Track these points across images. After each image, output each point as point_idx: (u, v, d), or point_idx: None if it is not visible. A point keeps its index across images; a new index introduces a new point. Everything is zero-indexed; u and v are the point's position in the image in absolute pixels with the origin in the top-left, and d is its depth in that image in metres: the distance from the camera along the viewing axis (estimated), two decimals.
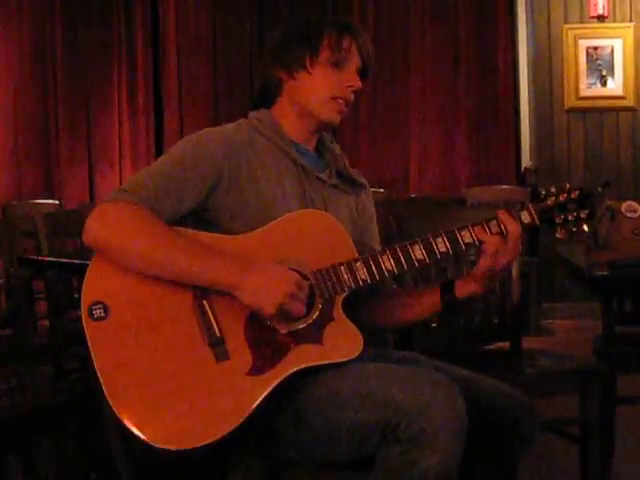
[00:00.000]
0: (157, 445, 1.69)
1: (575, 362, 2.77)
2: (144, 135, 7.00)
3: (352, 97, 1.99)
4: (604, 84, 6.42)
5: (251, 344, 1.77)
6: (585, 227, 1.86)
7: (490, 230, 1.84)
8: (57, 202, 6.36)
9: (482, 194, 6.10)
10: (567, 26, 6.44)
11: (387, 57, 6.81)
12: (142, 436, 1.69)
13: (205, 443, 1.68)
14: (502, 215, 1.84)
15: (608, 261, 2.46)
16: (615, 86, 6.41)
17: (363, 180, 2.15)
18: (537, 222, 1.85)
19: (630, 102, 6.42)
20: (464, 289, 1.91)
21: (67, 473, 3.06)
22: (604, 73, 6.41)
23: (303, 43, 1.95)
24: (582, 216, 1.86)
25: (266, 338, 1.78)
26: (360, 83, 1.98)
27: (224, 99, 7.04)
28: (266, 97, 2.02)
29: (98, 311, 1.76)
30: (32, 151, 6.93)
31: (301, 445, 1.79)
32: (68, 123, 6.94)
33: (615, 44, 6.40)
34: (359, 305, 1.97)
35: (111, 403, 1.71)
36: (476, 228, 1.84)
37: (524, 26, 6.56)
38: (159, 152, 7.04)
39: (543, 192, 1.87)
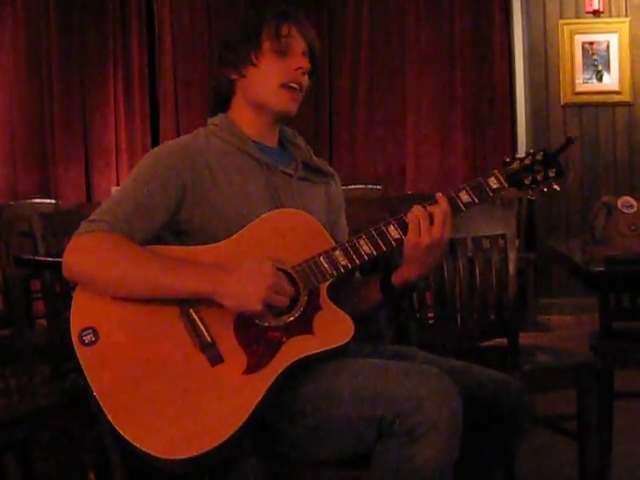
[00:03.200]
0: (167, 457, 1.67)
1: (572, 358, 2.77)
2: (140, 134, 7.00)
3: (305, 80, 2.00)
4: (600, 79, 6.42)
5: (243, 344, 1.77)
6: (556, 186, 1.89)
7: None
8: (53, 202, 6.34)
9: None
10: (563, 21, 6.44)
11: (383, 54, 6.81)
12: (151, 452, 1.67)
13: (213, 447, 1.67)
14: (437, 196, 1.90)
15: (605, 257, 2.46)
16: (611, 81, 6.41)
17: (330, 169, 2.16)
18: (506, 185, 1.88)
19: (626, 97, 6.42)
20: (398, 275, 1.96)
21: (65, 472, 3.06)
22: (600, 68, 6.41)
23: (244, 39, 1.98)
24: (551, 175, 1.88)
25: (257, 336, 1.78)
26: (308, 63, 1.99)
27: None
28: (221, 100, 2.05)
29: (88, 337, 1.77)
30: (28, 151, 6.92)
31: (298, 442, 1.79)
32: (64, 122, 6.93)
33: (611, 39, 6.40)
34: None
35: (114, 424, 1.70)
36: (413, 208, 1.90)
37: (519, 21, 6.56)
38: None
39: (508, 159, 1.91)
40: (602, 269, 2.38)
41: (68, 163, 6.93)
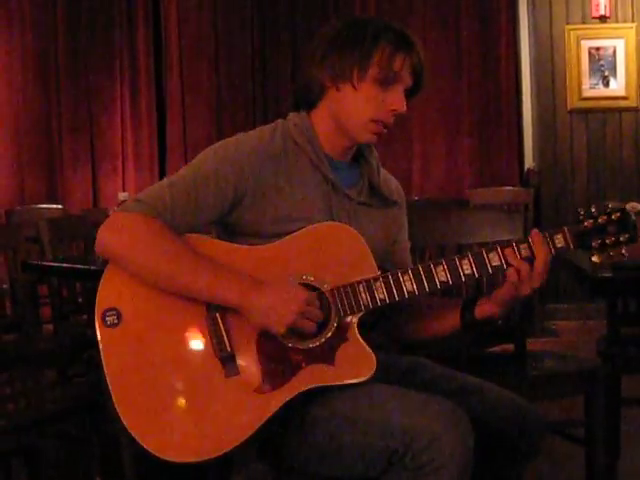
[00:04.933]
0: (158, 455, 1.69)
1: (579, 364, 2.76)
2: (147, 139, 7.02)
3: (392, 120, 1.86)
4: (606, 84, 6.41)
5: (261, 361, 1.74)
6: (624, 251, 1.74)
7: (520, 254, 1.77)
8: (60, 207, 6.37)
9: (485, 196, 6.09)
10: (569, 27, 6.44)
11: None
12: (144, 444, 1.69)
13: (206, 458, 1.68)
14: (535, 237, 1.76)
15: (612, 262, 2.45)
16: (617, 86, 6.41)
17: (394, 196, 2.02)
18: (572, 247, 1.75)
19: (633, 102, 6.42)
20: (483, 310, 1.86)
21: (72, 477, 3.06)
22: (606, 74, 6.40)
23: (355, 50, 1.83)
24: (622, 239, 1.74)
25: (277, 355, 1.74)
26: (405, 107, 1.84)
27: (227, 101, 7.04)
28: (308, 98, 1.90)
29: (111, 317, 1.75)
30: (35, 156, 6.95)
31: (305, 459, 1.77)
32: (71, 128, 6.96)
33: (617, 44, 6.40)
34: (386, 318, 1.95)
35: (118, 409, 1.71)
36: (506, 250, 1.77)
37: (526, 27, 6.56)
38: (162, 156, 7.06)
39: (582, 212, 1.75)
40: (609, 275, 2.37)
41: (75, 168, 6.95)
